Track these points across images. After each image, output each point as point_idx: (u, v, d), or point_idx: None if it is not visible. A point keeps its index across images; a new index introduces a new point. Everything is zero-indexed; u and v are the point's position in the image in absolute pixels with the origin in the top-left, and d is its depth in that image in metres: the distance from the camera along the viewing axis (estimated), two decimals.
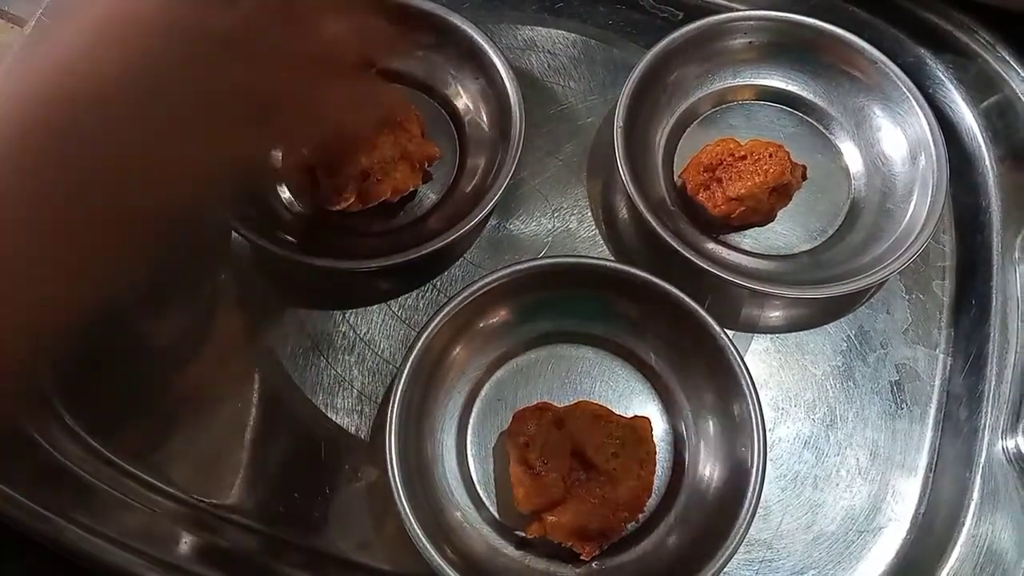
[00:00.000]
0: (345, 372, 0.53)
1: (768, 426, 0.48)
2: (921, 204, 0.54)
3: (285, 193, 0.56)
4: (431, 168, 0.56)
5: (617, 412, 0.49)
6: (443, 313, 0.49)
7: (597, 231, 0.58)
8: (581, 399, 0.50)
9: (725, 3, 0.63)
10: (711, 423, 0.50)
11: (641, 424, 0.48)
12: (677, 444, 0.51)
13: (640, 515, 0.48)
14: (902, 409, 0.53)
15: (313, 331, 0.54)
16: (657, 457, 0.48)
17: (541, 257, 0.56)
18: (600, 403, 0.50)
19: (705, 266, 0.51)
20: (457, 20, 0.57)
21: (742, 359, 0.48)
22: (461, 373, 0.51)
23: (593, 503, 0.46)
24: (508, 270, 0.50)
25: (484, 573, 0.46)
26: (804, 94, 0.60)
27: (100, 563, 0.46)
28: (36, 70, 0.20)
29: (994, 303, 0.54)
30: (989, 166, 0.58)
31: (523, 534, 0.48)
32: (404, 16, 0.57)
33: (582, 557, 0.46)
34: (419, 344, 0.48)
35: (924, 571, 0.49)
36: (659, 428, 0.50)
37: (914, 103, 0.56)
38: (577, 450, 0.47)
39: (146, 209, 0.25)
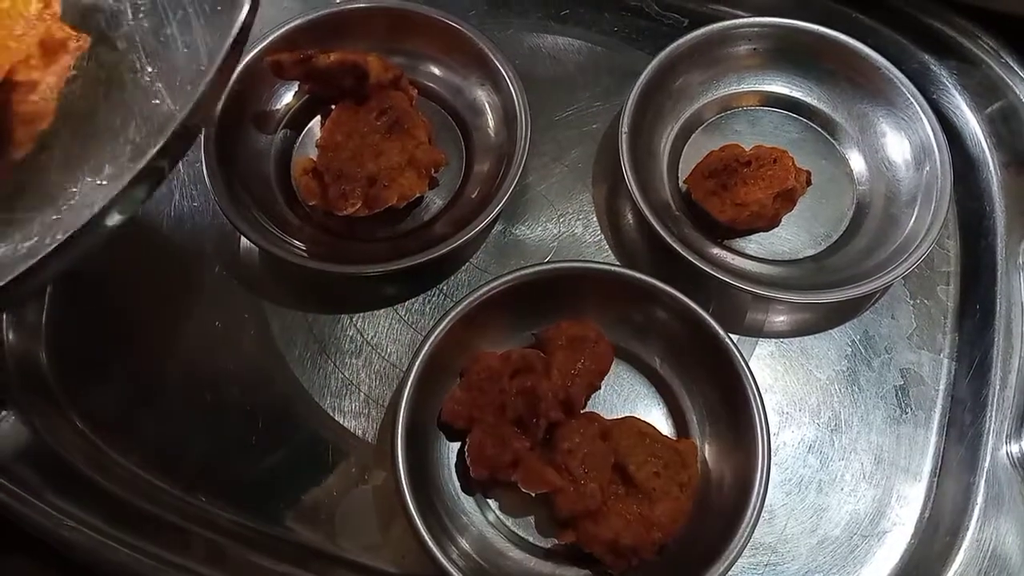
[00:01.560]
0: (352, 376, 0.54)
1: (773, 430, 0.48)
2: (925, 209, 0.54)
3: (293, 199, 0.57)
4: (438, 174, 0.56)
5: (663, 433, 0.49)
6: (449, 317, 0.49)
7: (602, 236, 0.58)
8: (627, 415, 0.50)
9: (730, 10, 0.63)
10: (716, 427, 0.50)
11: (687, 449, 0.48)
12: None
13: (671, 538, 0.47)
14: (907, 414, 0.53)
15: (321, 335, 0.55)
16: None
17: (547, 262, 0.56)
18: (605, 408, 0.51)
19: (710, 271, 0.51)
20: (464, 28, 0.57)
21: (747, 363, 0.48)
22: None
23: (629, 519, 0.46)
24: (514, 275, 0.50)
25: (489, 575, 0.46)
26: (808, 100, 0.60)
27: (106, 561, 0.47)
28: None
29: (998, 308, 0.54)
30: (993, 171, 0.58)
31: (527, 537, 0.48)
32: (411, 24, 0.58)
33: (611, 572, 0.46)
34: (425, 348, 0.48)
35: None
36: (664, 431, 0.50)
37: (918, 109, 0.56)
38: (619, 464, 0.47)
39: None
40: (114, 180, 0.36)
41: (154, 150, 0.35)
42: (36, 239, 0.35)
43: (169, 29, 0.39)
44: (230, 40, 0.37)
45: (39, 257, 0.34)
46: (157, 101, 0.38)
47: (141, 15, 0.39)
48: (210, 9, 0.38)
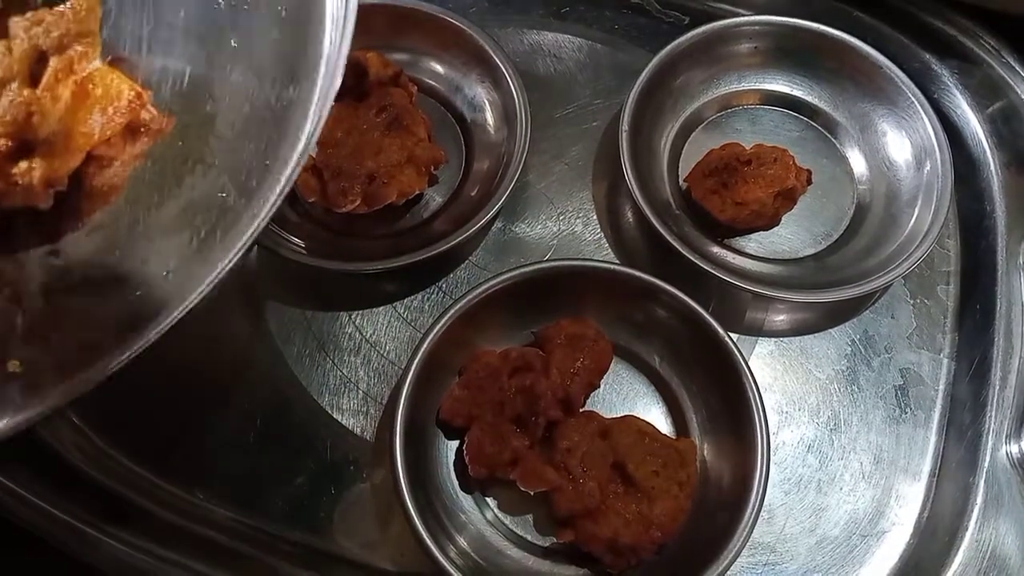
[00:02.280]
0: (351, 373, 0.54)
1: (772, 430, 0.48)
2: (926, 209, 0.54)
3: (292, 196, 0.56)
4: (437, 171, 0.56)
5: (663, 432, 0.49)
6: (448, 315, 0.49)
7: (602, 234, 0.58)
8: (626, 414, 0.50)
9: (731, 8, 0.63)
10: (715, 426, 0.50)
11: (686, 447, 0.48)
12: None
13: (670, 537, 0.47)
14: (906, 413, 0.53)
15: (319, 332, 0.55)
16: None
17: (546, 260, 0.56)
18: (604, 407, 0.51)
19: (710, 270, 0.51)
20: (464, 25, 0.57)
21: (746, 363, 0.48)
22: None
23: (628, 518, 0.46)
24: (513, 273, 0.50)
25: (487, 573, 0.46)
26: (809, 99, 0.60)
27: (103, 558, 0.47)
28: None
29: (998, 308, 0.54)
30: (994, 171, 0.58)
31: (526, 536, 0.48)
32: (411, 21, 0.58)
33: (610, 571, 0.46)
34: (424, 346, 0.48)
35: None
36: (663, 430, 0.50)
37: (919, 108, 0.56)
38: (618, 463, 0.47)
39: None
40: (178, 273, 0.35)
41: (234, 256, 0.34)
42: (102, 332, 0.34)
43: (236, 122, 0.38)
44: (300, 149, 0.36)
45: (118, 363, 0.33)
46: (223, 195, 0.37)
47: (210, 106, 0.39)
48: (276, 104, 0.38)
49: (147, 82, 0.38)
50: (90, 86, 0.36)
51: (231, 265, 0.34)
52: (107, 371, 0.33)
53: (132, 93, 0.37)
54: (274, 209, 0.35)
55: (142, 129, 0.38)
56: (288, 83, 0.38)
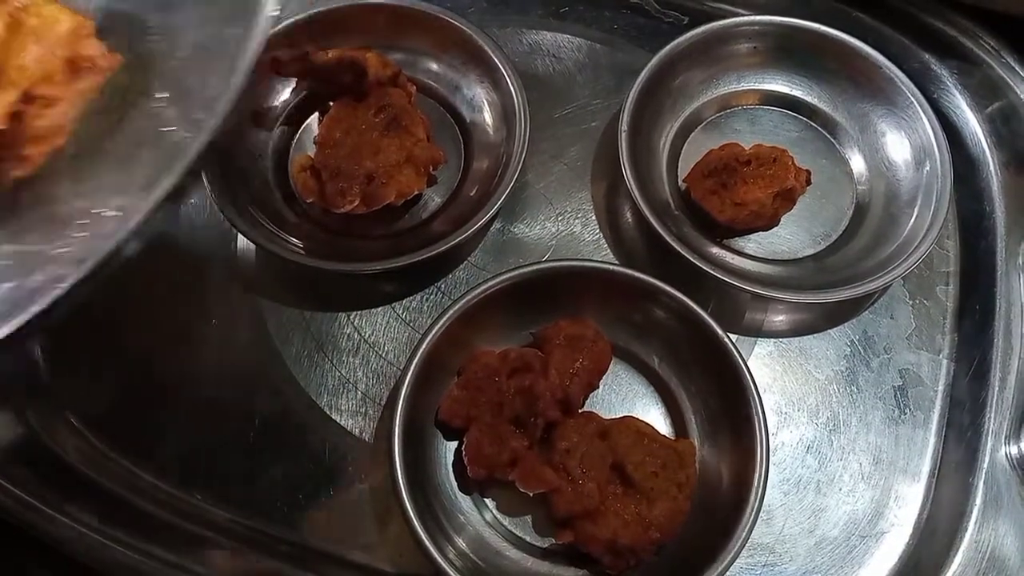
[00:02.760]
0: (350, 374, 0.54)
1: (771, 430, 0.48)
2: (925, 209, 0.54)
3: (290, 196, 0.56)
4: (436, 172, 0.56)
5: (662, 433, 0.49)
6: (447, 316, 0.49)
7: (601, 235, 0.58)
8: (625, 414, 0.50)
9: (730, 8, 0.63)
10: (714, 427, 0.50)
11: (685, 448, 0.48)
12: None
13: (670, 539, 0.47)
14: (905, 414, 0.53)
15: (318, 333, 0.54)
16: None
17: (545, 260, 0.56)
18: (604, 407, 0.51)
19: (709, 270, 0.51)
20: (463, 25, 0.57)
21: (746, 363, 0.48)
22: None
23: (627, 519, 0.46)
24: (512, 273, 0.50)
25: (486, 575, 0.46)
26: (808, 99, 0.60)
27: (103, 560, 0.47)
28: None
29: (998, 308, 0.54)
30: (993, 171, 0.58)
31: (525, 536, 0.48)
32: (410, 21, 0.58)
33: (609, 572, 0.46)
34: (423, 346, 0.48)
35: None
36: (662, 431, 0.50)
37: (919, 108, 0.56)
38: (617, 464, 0.47)
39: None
40: (126, 210, 0.34)
41: (168, 185, 0.33)
42: (44, 275, 0.33)
43: (183, 53, 0.37)
44: (241, 75, 0.35)
45: (54, 296, 0.31)
46: (171, 128, 0.36)
47: (156, 39, 0.38)
48: (224, 36, 0.37)
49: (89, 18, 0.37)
50: (24, 16, 0.35)
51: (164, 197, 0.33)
52: (58, 291, 0.32)
53: (71, 23, 0.36)
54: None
55: (86, 65, 0.37)
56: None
